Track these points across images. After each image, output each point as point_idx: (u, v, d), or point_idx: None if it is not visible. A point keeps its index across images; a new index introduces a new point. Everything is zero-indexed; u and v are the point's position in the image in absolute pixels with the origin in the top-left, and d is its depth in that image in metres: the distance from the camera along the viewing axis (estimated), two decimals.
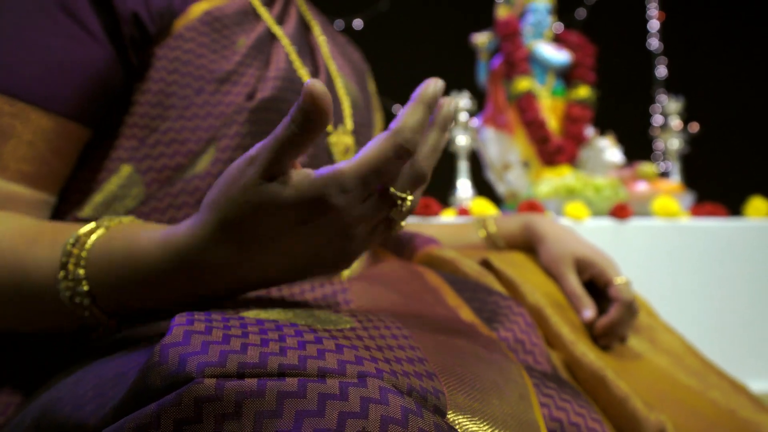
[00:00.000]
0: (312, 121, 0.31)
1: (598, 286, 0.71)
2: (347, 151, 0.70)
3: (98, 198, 0.55)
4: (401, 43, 3.71)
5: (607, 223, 1.38)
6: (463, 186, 1.83)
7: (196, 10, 0.59)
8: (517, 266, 0.71)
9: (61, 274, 0.42)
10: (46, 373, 0.49)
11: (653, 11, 3.35)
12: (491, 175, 2.18)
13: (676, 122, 1.96)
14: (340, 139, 0.69)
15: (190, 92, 0.57)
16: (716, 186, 4.30)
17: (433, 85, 0.36)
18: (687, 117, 2.06)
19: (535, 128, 1.99)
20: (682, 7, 4.07)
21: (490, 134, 2.13)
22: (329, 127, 0.68)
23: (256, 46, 0.63)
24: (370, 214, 0.35)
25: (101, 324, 0.43)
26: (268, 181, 0.33)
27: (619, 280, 0.70)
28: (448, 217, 1.73)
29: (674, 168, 1.92)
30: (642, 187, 1.52)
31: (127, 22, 0.54)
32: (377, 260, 0.75)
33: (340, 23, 3.21)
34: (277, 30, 0.67)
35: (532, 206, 1.35)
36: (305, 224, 0.34)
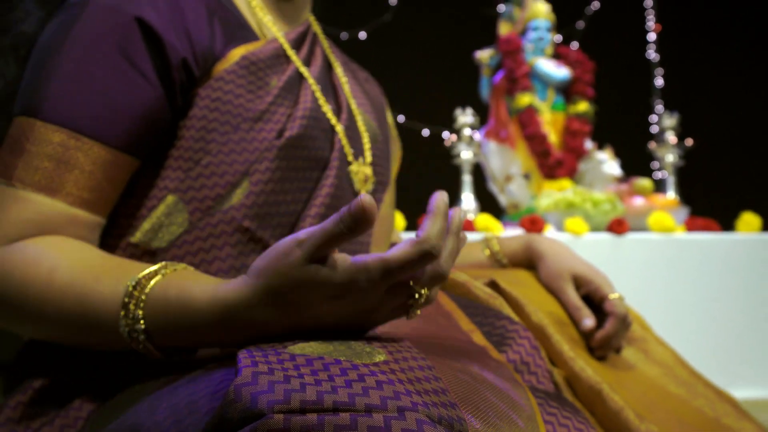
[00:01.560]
0: (359, 225, 0.38)
1: (594, 301, 0.78)
2: (366, 181, 0.76)
3: (147, 225, 0.62)
4: (406, 55, 3.78)
5: (605, 237, 1.45)
6: (467, 199, 1.90)
7: (234, 55, 0.66)
8: (521, 285, 0.77)
9: (122, 312, 0.48)
10: (109, 388, 0.55)
11: (651, 23, 3.42)
12: (493, 187, 2.25)
13: (671, 136, 2.03)
14: (360, 169, 0.75)
15: (228, 129, 0.64)
16: (711, 197, 4.37)
17: (441, 197, 0.43)
18: (682, 132, 2.13)
19: (536, 142, 2.06)
20: (679, 19, 4.14)
21: (492, 147, 2.20)
22: (350, 158, 0.75)
23: (286, 87, 0.69)
24: (391, 300, 0.43)
25: (153, 355, 0.50)
26: (311, 263, 0.40)
27: (613, 296, 0.77)
28: None
29: (670, 181, 1.99)
30: (638, 202, 1.59)
31: (177, 67, 0.61)
32: None
33: (344, 35, 3.28)
34: (305, 71, 0.74)
35: (534, 220, 1.42)
36: (337, 299, 0.41)
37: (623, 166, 2.10)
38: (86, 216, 0.58)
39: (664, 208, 1.55)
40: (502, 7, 2.41)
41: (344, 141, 0.73)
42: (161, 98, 0.60)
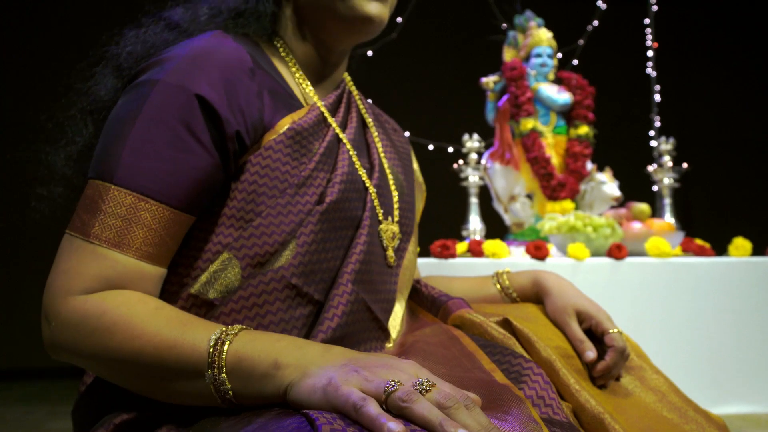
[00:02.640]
0: None
1: (595, 335, 0.88)
2: (393, 237, 0.85)
3: (204, 278, 0.71)
4: (411, 72, 3.88)
5: (605, 261, 1.54)
6: (474, 221, 1.99)
7: (282, 125, 0.75)
8: (531, 321, 0.87)
9: (208, 371, 0.58)
10: (184, 422, 0.64)
11: (649, 41, 3.51)
12: (498, 207, 2.34)
13: (667, 160, 2.12)
14: (389, 227, 0.84)
15: (276, 193, 0.73)
16: (707, 217, 4.46)
17: None
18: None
19: (539, 165, 2.16)
20: (676, 38, 4.25)
21: (497, 168, 2.29)
22: (381, 217, 0.84)
23: (326, 152, 0.78)
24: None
25: (233, 404, 0.59)
26: None
27: (613, 330, 0.87)
28: (461, 250, 1.90)
29: (666, 203, 2.09)
30: (636, 226, 1.68)
31: (231, 138, 0.71)
32: (416, 318, 0.91)
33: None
34: (342, 135, 0.83)
35: (539, 246, 1.52)
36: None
37: (623, 179, 2.20)
38: (151, 268, 0.67)
39: (661, 232, 1.64)
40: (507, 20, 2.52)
41: (376, 201, 0.83)
42: (217, 165, 0.70)
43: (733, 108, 4.70)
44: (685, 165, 2.10)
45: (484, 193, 2.27)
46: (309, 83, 0.84)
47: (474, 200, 2.00)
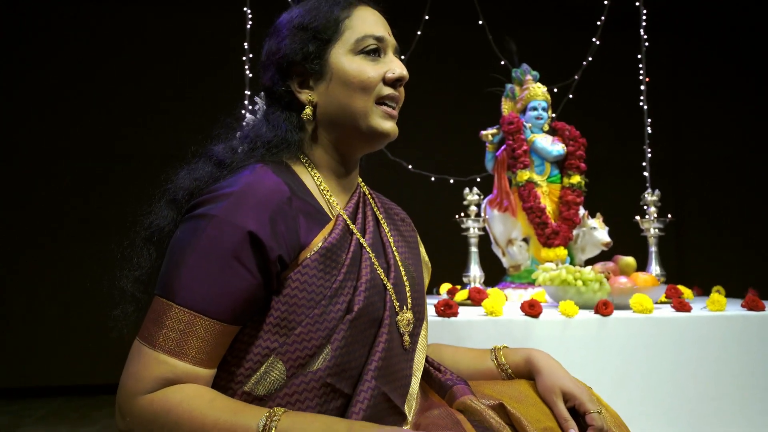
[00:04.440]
0: None
1: (578, 413, 1.04)
2: (409, 324, 1.01)
3: (254, 378, 0.87)
4: (415, 109, 4.05)
5: (593, 317, 1.70)
6: (474, 269, 2.15)
7: (315, 243, 0.91)
8: (522, 402, 1.03)
9: None
10: None
11: (642, 74, 3.67)
12: (496, 250, 2.50)
13: (653, 211, 2.28)
14: (404, 316, 1.01)
15: (312, 304, 0.89)
16: (702, 253, 4.60)
17: None
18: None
19: (534, 215, 2.32)
20: (667, 74, 4.41)
21: (495, 214, 2.45)
22: (397, 309, 1.00)
23: (351, 263, 0.94)
24: None
25: None
26: None
27: (593, 411, 1.03)
28: (461, 298, 2.05)
29: (653, 252, 2.25)
30: (622, 281, 1.84)
31: (273, 262, 0.87)
32: (426, 397, 1.07)
33: None
34: (363, 241, 0.99)
35: (533, 304, 1.67)
36: None
37: (617, 201, 2.35)
38: (203, 371, 0.84)
39: (644, 288, 1.81)
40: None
41: (393, 297, 0.99)
42: (261, 285, 0.86)
43: (728, 137, 4.86)
44: (669, 216, 2.26)
45: (484, 238, 2.43)
46: (331, 193, 1.01)
47: (474, 249, 2.16)
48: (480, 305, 2.01)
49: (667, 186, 3.01)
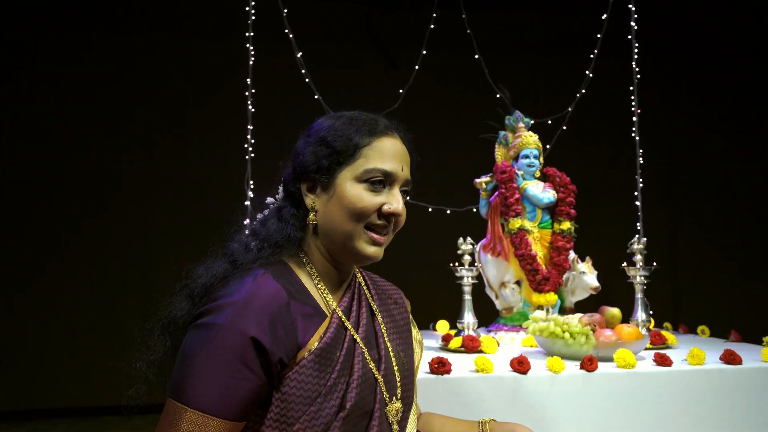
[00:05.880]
0: None
1: None
2: (397, 413, 1.11)
3: None
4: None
5: (578, 372, 1.80)
6: (467, 317, 2.25)
7: (312, 343, 1.01)
8: None
9: None
10: None
11: (634, 106, 3.77)
12: (490, 293, 2.60)
13: (639, 259, 2.38)
14: (393, 406, 1.10)
15: (309, 401, 0.99)
16: (695, 290, 4.68)
17: None
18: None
19: (526, 262, 2.42)
20: (658, 110, 4.51)
21: (488, 259, 2.55)
22: (387, 399, 1.09)
23: (345, 360, 1.04)
24: None
25: None
26: None
27: None
28: (455, 345, 2.15)
29: (638, 299, 2.35)
30: (607, 334, 1.94)
31: (275, 364, 0.97)
32: None
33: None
34: (357, 336, 1.09)
35: (521, 361, 1.78)
36: None
37: (610, 223, 2.44)
38: None
39: (628, 341, 1.91)
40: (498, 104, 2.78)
41: (383, 390, 1.09)
42: (265, 383, 0.96)
43: (723, 161, 4.95)
44: (654, 263, 2.36)
45: (478, 282, 2.53)
46: (327, 290, 1.10)
47: (468, 297, 2.25)
48: (473, 353, 2.12)
49: (664, 211, 3.11)
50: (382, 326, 1.17)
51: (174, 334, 1.05)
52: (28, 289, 4.69)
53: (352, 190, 1.04)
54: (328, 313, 1.06)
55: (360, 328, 1.11)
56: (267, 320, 0.95)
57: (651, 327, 2.70)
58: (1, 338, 4.58)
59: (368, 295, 1.20)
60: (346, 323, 1.08)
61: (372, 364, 1.08)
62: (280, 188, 1.17)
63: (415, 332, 1.30)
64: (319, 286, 1.09)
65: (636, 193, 3.52)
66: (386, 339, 1.16)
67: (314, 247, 1.11)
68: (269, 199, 1.17)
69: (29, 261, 4.68)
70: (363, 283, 1.22)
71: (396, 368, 1.14)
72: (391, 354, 1.15)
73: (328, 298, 1.09)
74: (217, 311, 0.97)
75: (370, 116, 1.10)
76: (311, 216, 1.08)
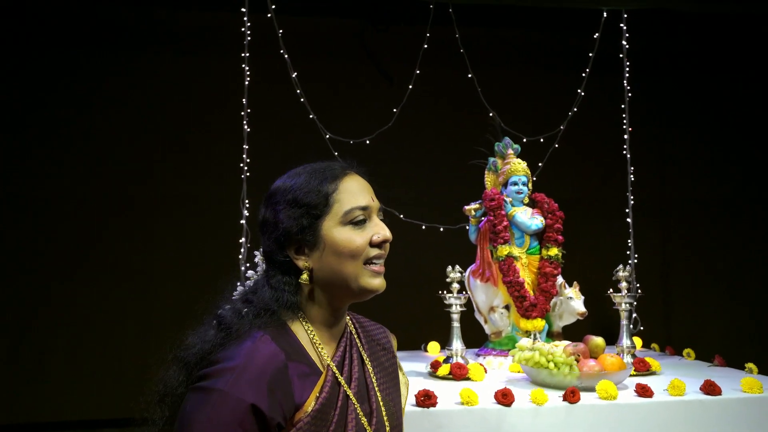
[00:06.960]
0: None
1: None
2: None
3: None
4: (405, 158, 4.21)
5: (561, 404, 1.85)
6: (456, 344, 2.30)
7: (308, 404, 1.05)
8: None
9: None
10: None
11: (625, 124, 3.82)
12: (479, 317, 2.65)
13: (624, 286, 2.43)
14: None
15: None
16: (687, 304, 4.72)
17: None
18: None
19: (513, 288, 2.47)
20: (651, 126, 4.57)
21: (477, 284, 2.60)
22: None
23: (339, 419, 1.08)
24: None
25: None
26: None
27: None
28: (443, 372, 2.20)
29: (624, 326, 2.40)
30: (591, 364, 1.99)
31: (273, 428, 1.01)
32: None
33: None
34: (350, 392, 1.13)
35: (505, 393, 1.82)
36: None
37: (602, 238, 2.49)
38: None
39: (611, 372, 1.96)
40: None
41: None
42: None
43: (716, 179, 4.98)
44: (639, 291, 2.40)
45: (467, 307, 2.57)
46: (322, 345, 1.14)
47: (456, 324, 2.30)
48: (461, 380, 2.17)
49: (656, 229, 3.15)
50: (372, 377, 1.21)
51: (171, 403, 1.09)
52: (28, 303, 4.73)
53: (340, 234, 1.08)
54: (323, 369, 1.10)
55: (353, 383, 1.14)
56: (265, 386, 0.99)
57: (638, 348, 2.76)
58: (1, 353, 4.61)
59: (359, 344, 1.24)
60: (340, 379, 1.11)
61: (364, 419, 1.12)
62: (258, 260, 1.20)
63: (401, 376, 1.35)
64: (315, 341, 1.13)
65: (627, 210, 3.58)
66: (377, 390, 1.20)
67: (312, 305, 1.14)
68: (250, 272, 1.21)
69: (30, 279, 4.73)
70: (354, 330, 1.26)
71: (386, 419, 1.18)
72: (382, 406, 1.19)
73: (323, 353, 1.12)
74: (217, 376, 1.00)
75: (324, 164, 1.14)
76: (304, 276, 1.11)
